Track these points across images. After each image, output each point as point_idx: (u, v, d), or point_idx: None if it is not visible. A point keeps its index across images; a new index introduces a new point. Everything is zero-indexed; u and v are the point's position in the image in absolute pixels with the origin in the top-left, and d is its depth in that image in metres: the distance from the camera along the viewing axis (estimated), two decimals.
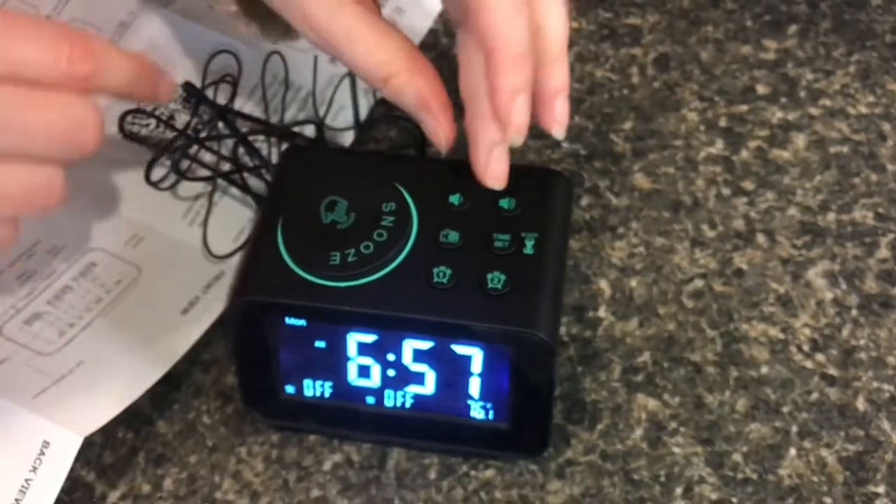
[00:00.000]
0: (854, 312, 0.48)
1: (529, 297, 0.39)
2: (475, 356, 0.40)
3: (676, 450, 0.44)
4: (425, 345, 0.40)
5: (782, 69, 0.57)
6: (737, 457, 0.43)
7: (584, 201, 0.52)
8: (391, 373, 0.41)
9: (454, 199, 0.41)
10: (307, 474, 0.43)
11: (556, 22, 0.41)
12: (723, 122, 0.55)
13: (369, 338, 0.40)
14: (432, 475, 0.43)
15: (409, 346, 0.40)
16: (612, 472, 0.43)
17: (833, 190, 0.52)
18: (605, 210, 0.51)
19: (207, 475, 0.43)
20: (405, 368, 0.41)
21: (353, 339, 0.40)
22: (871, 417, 0.44)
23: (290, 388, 0.42)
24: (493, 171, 0.41)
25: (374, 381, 0.41)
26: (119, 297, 0.47)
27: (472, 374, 0.40)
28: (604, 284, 0.49)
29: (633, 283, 0.49)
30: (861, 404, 0.45)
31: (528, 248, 0.40)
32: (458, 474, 0.43)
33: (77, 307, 0.47)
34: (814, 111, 0.55)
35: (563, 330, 0.47)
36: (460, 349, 0.39)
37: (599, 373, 0.46)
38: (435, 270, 0.39)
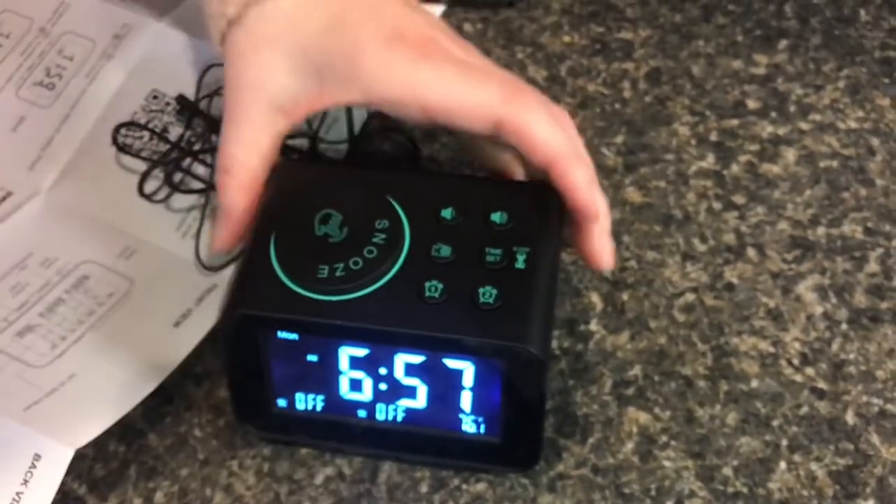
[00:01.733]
0: (844, 326, 0.48)
1: (521, 311, 0.39)
2: (467, 370, 0.40)
3: (667, 463, 0.44)
4: (417, 359, 0.40)
5: (773, 84, 0.58)
6: (727, 470, 0.43)
7: None
8: (383, 386, 0.41)
9: (446, 213, 0.41)
10: (299, 488, 0.43)
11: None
12: (714, 137, 0.55)
13: (361, 352, 0.40)
14: (424, 489, 0.43)
15: (401, 360, 0.40)
16: (604, 485, 0.43)
17: (823, 204, 0.52)
18: None
19: (199, 488, 0.43)
20: (397, 382, 0.41)
21: (345, 353, 0.40)
22: (860, 431, 0.44)
23: (282, 402, 0.42)
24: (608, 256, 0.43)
25: (366, 394, 0.41)
26: (112, 310, 0.47)
27: (463, 388, 0.40)
28: (595, 298, 0.49)
29: (625, 296, 0.49)
30: (850, 418, 0.45)
31: (520, 262, 0.40)
32: (450, 488, 0.43)
33: (69, 319, 0.47)
34: (804, 126, 0.56)
35: (554, 343, 0.47)
36: (452, 363, 0.40)
37: (591, 386, 0.46)
38: (427, 284, 0.39)
